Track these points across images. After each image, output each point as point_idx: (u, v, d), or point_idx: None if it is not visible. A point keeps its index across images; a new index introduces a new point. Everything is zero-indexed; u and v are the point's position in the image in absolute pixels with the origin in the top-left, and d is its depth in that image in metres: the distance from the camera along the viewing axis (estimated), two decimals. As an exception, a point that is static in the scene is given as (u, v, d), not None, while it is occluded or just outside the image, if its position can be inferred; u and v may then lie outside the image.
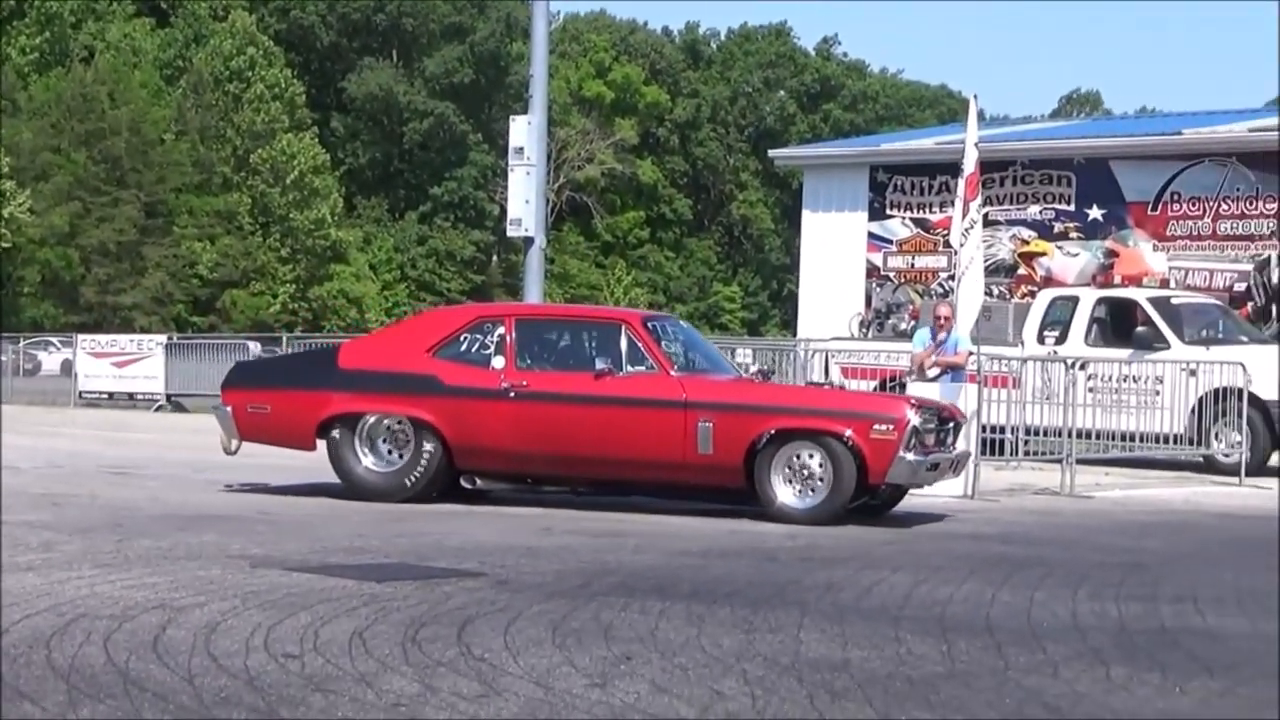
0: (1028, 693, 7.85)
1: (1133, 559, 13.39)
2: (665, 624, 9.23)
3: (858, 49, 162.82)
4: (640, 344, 15.64)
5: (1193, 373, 22.45)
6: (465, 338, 16.20)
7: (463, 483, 16.29)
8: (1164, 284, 27.97)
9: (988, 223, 29.54)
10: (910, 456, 15.00)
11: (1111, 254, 30.60)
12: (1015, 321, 25.90)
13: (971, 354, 19.48)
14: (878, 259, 33.39)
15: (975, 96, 20.83)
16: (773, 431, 15.15)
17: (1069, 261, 31.19)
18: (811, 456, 15.10)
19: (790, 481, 15.18)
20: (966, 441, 17.19)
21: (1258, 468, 22.38)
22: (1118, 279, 26.80)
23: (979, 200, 19.52)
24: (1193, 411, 22.45)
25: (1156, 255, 30.24)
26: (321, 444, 16.61)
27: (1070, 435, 20.12)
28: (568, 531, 13.94)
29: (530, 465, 16.02)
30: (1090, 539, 14.93)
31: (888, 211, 33.45)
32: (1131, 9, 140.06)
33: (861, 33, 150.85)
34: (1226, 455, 22.33)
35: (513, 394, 15.71)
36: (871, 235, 33.54)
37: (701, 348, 17.15)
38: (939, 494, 18.28)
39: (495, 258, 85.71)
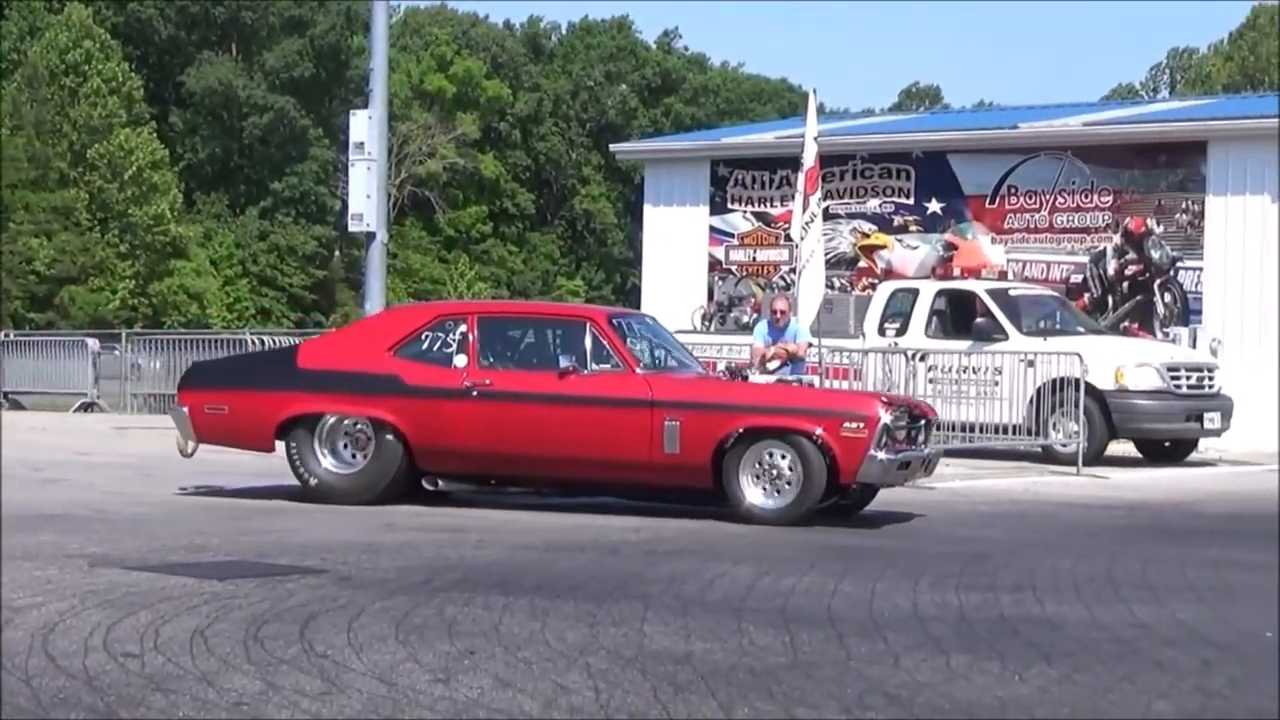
0: (869, 683, 7.90)
1: (973, 549, 13.52)
2: (509, 619, 9.22)
3: (699, 43, 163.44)
4: (605, 341, 15.30)
5: (1030, 364, 22.72)
6: (427, 336, 15.84)
7: (424, 484, 15.92)
8: (1002, 276, 28.28)
9: (828, 216, 29.76)
10: (881, 455, 14.69)
11: (950, 247, 30.91)
12: (856, 314, 26.09)
13: (812, 345, 19.60)
14: (719, 253, 33.52)
15: (814, 91, 20.99)
16: (741, 430, 14.84)
17: (909, 254, 31.47)
18: (781, 456, 14.79)
19: (759, 482, 14.86)
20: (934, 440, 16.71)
21: (1094, 457, 22.69)
22: (957, 271, 27.07)
23: (819, 194, 19.66)
24: (1031, 402, 22.73)
25: (995, 248, 30.60)
26: (281, 445, 16.19)
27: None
28: (410, 528, 13.87)
29: (494, 466, 15.71)
30: (931, 529, 15.07)
31: (729, 205, 33.56)
32: (970, 5, 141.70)
33: (702, 26, 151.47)
34: (1064, 445, 22.61)
35: (475, 393, 15.36)
36: (713, 229, 33.66)
37: (668, 345, 16.77)
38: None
39: (337, 253, 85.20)
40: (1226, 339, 27.93)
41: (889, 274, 30.68)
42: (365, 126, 31.05)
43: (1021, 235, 30.54)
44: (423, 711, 7.08)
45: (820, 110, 27.07)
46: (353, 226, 33.04)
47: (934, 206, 31.34)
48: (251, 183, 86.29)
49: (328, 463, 15.83)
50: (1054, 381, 22.49)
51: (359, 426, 15.77)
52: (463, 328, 15.69)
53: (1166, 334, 28.37)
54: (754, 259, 33.21)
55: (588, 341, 15.28)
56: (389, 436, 15.56)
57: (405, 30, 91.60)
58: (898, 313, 25.41)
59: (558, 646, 8.47)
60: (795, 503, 14.75)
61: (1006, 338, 23.84)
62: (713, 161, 34.22)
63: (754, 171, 33.36)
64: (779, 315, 20.18)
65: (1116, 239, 29.68)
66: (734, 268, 33.38)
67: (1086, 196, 30.00)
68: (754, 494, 14.85)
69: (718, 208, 33.68)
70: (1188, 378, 23.79)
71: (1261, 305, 28.40)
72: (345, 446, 15.85)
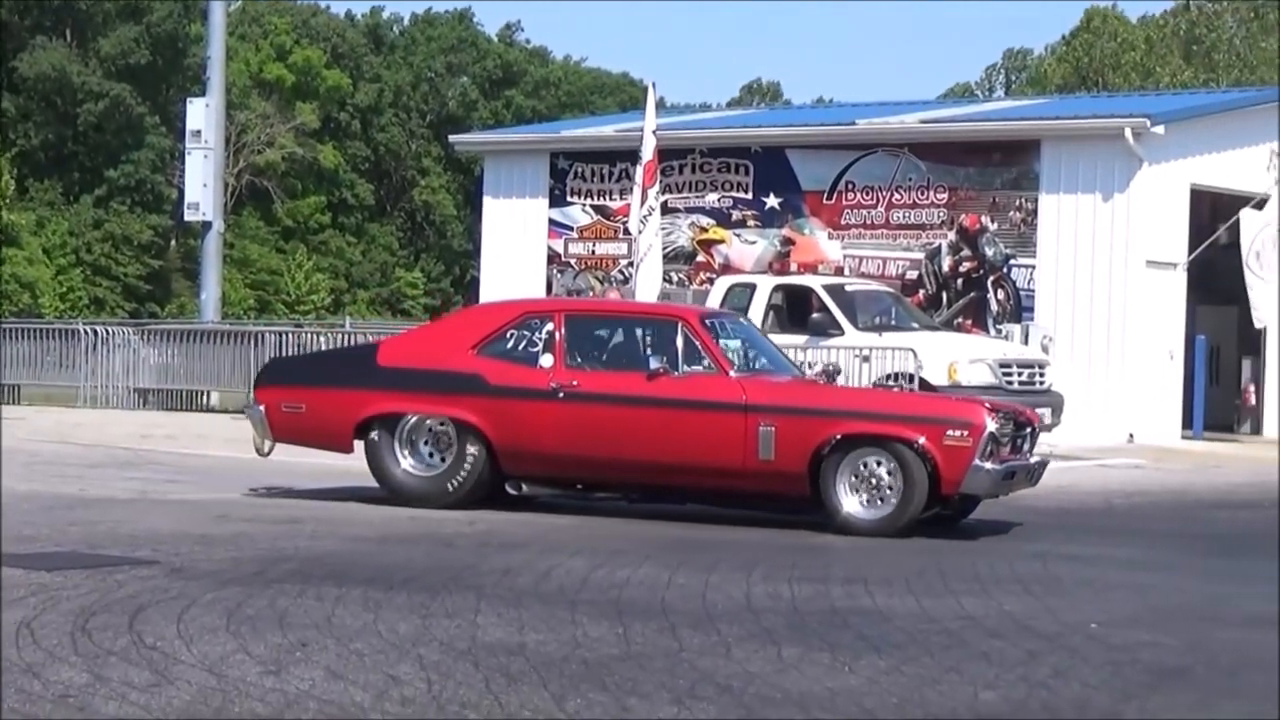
0: (701, 673, 7.96)
1: (806, 542, 13.65)
2: (341, 610, 9.19)
3: (540, 36, 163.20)
4: (697, 342, 14.70)
5: (866, 358, 22.93)
6: (512, 334, 15.28)
7: (508, 488, 15.34)
8: (839, 272, 28.47)
9: (667, 210, 29.84)
10: (987, 465, 14.02)
11: (788, 242, 31.09)
12: (694, 308, 26.15)
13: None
14: (559, 245, 33.52)
15: (653, 85, 21.08)
16: (839, 437, 14.16)
17: (747, 249, 31.61)
18: (880, 464, 14.12)
19: (858, 491, 14.18)
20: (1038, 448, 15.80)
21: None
22: (794, 266, 27.24)
23: (657, 187, 19.75)
24: (866, 397, 22.88)
25: (832, 243, 30.83)
26: (360, 446, 15.62)
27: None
28: (245, 519, 13.78)
29: (580, 470, 15.11)
30: (763, 522, 15.15)
31: (568, 198, 33.58)
32: (812, 3, 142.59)
33: (544, 19, 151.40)
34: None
35: (561, 394, 14.74)
36: (552, 222, 33.65)
37: (762, 346, 16.09)
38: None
39: (173, 242, 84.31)
40: (1057, 335, 28.31)
41: (726, 268, 30.80)
42: (202, 115, 30.77)
43: (858, 231, 30.78)
44: (253, 703, 7.04)
45: (661, 105, 27.13)
46: (189, 215, 32.75)
47: (772, 202, 31.50)
48: (86, 170, 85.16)
49: (407, 464, 15.30)
50: (889, 377, 22.69)
51: (441, 427, 15.23)
52: (549, 326, 15.09)
53: (999, 330, 28.70)
54: (593, 252, 33.24)
55: (679, 342, 14.72)
56: (471, 438, 15.02)
57: (244, 19, 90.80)
58: (735, 307, 25.43)
59: (390, 638, 8.46)
60: (895, 514, 14.05)
61: (842, 333, 24.03)
62: (552, 154, 34.22)
63: (593, 165, 33.40)
64: (615, 308, 20.24)
65: (951, 236, 29.99)
66: (572, 261, 33.38)
67: (922, 193, 30.29)
68: (851, 503, 14.17)
69: (557, 200, 33.68)
70: (1019, 374, 24.09)
71: (1092, 302, 28.82)
72: (426, 447, 15.32)
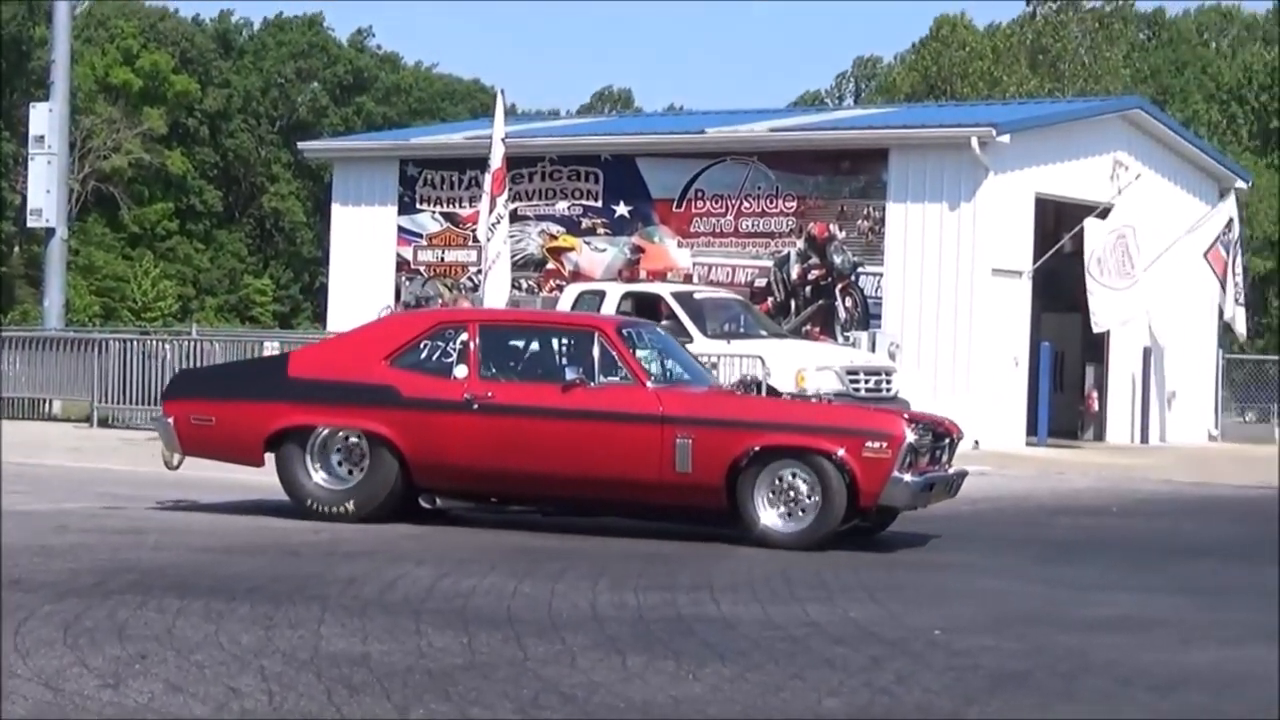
0: (545, 683, 7.95)
1: (653, 549, 13.66)
2: (182, 621, 9.09)
3: (391, 42, 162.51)
4: (614, 352, 14.39)
5: (714, 366, 22.97)
6: (426, 345, 14.98)
7: (421, 502, 14.98)
8: (687, 279, 28.56)
9: (516, 218, 29.81)
10: (905, 477, 13.79)
11: (638, 249, 31.15)
12: (543, 316, 26.12)
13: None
14: (408, 253, 33.39)
15: (502, 91, 21.04)
16: (756, 449, 13.90)
17: (596, 256, 31.64)
18: (798, 476, 13.86)
19: (775, 503, 13.93)
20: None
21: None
22: (643, 274, 27.30)
23: (505, 195, 19.71)
24: (714, 404, 22.94)
25: (681, 251, 30.91)
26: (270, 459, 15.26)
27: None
28: (84, 530, 13.60)
29: (495, 483, 14.83)
30: (614, 530, 15.15)
31: (418, 205, 33.46)
32: (663, 9, 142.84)
33: (395, 26, 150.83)
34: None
35: (476, 406, 14.41)
36: (401, 229, 33.52)
37: (680, 357, 15.82)
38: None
39: (16, 249, 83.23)
40: (905, 342, 28.55)
41: (576, 276, 30.82)
42: (46, 120, 30.37)
43: (707, 239, 30.89)
44: (89, 717, 6.95)
45: (512, 111, 27.12)
46: (32, 222, 32.29)
47: (622, 209, 31.55)
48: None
49: (319, 478, 14.91)
50: (741, 383, 22.74)
51: (353, 440, 14.88)
52: (464, 336, 14.79)
53: (847, 338, 28.92)
54: (442, 259, 33.13)
55: (595, 352, 14.41)
56: (384, 451, 14.68)
57: (90, 22, 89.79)
58: (584, 314, 25.53)
59: (231, 650, 8.38)
60: (813, 526, 13.83)
61: (691, 340, 24.07)
62: (401, 161, 34.09)
63: (443, 172, 33.30)
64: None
65: (800, 244, 30.15)
66: (422, 268, 33.26)
67: (771, 201, 30.44)
68: (769, 516, 13.92)
69: (406, 208, 33.56)
70: (866, 380, 24.27)
71: (939, 310, 29.09)
72: (339, 462, 14.94)
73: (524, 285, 30.88)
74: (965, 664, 8.87)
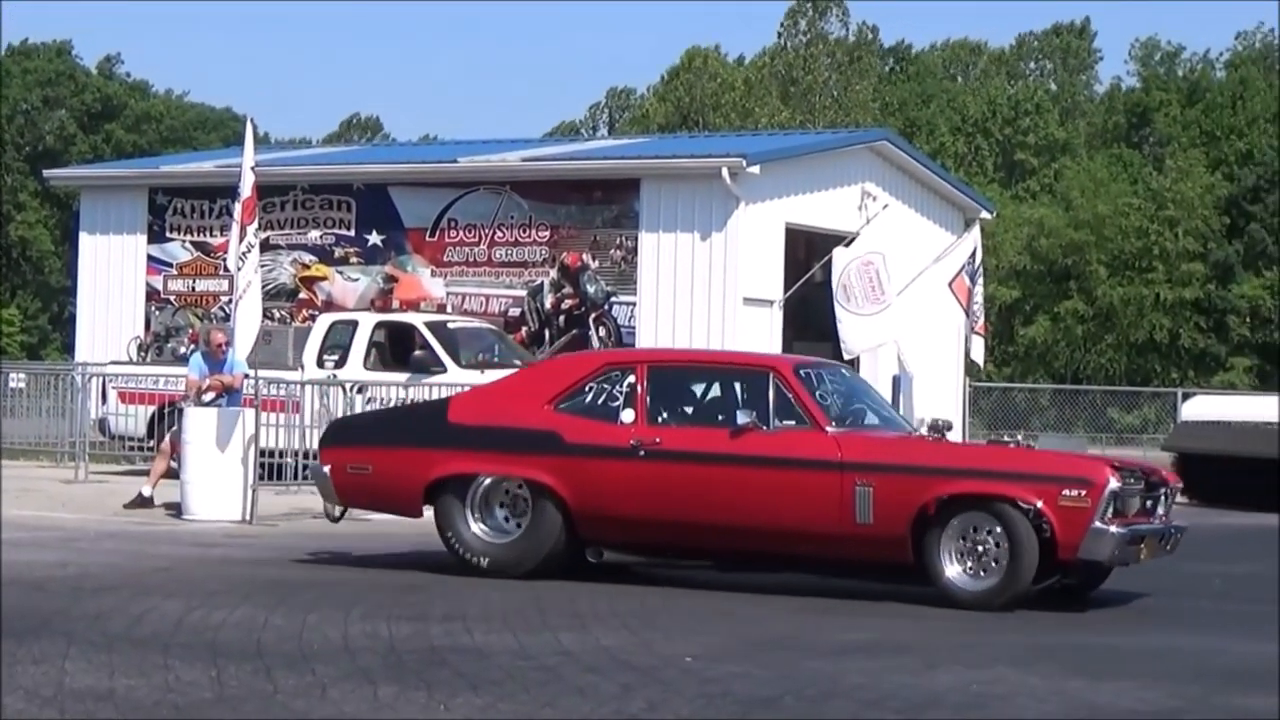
0: (294, 715, 7.90)
1: (408, 580, 13.62)
2: (-79, 660, 8.89)
3: (141, 69, 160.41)
4: (790, 394, 13.44)
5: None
6: (592, 388, 14.05)
7: (588, 556, 14.08)
8: (441, 309, 28.46)
9: (268, 247, 29.49)
10: (1110, 529, 12.68)
11: (391, 279, 30.98)
12: (295, 345, 25.92)
13: (248, 377, 19.44)
14: (158, 282, 32.91)
15: (252, 120, 20.78)
16: (942, 498, 12.90)
17: (349, 286, 31.42)
18: (985, 528, 12.86)
19: (963, 557, 12.92)
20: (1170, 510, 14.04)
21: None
22: (396, 304, 27.17)
23: (256, 224, 19.48)
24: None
25: (435, 281, 30.81)
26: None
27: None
28: None
29: (662, 535, 13.85)
30: (367, 561, 15.09)
31: (168, 234, 32.99)
32: (414, 35, 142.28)
33: (145, 53, 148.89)
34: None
35: (643, 452, 13.53)
36: (151, 258, 33.02)
37: (868, 399, 14.77)
38: (217, 519, 18.19)
39: None
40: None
41: (329, 306, 30.57)
42: None
43: (461, 268, 30.81)
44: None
45: (265, 140, 26.86)
46: None
47: (375, 239, 31.36)
48: None
49: (478, 529, 14.08)
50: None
51: (517, 490, 14.06)
52: (631, 378, 13.92)
53: (601, 367, 28.99)
54: (193, 289, 32.70)
55: (771, 394, 13.48)
56: (547, 501, 13.83)
57: None
58: (337, 344, 25.34)
59: (-28, 687, 8.21)
60: (1003, 583, 12.78)
61: (445, 370, 24.02)
62: (151, 190, 33.57)
63: (193, 200, 32.88)
64: (219, 347, 19.98)
65: (553, 273, 30.19)
66: (172, 297, 32.80)
67: (524, 231, 30.45)
68: (954, 570, 12.91)
69: (156, 236, 33.06)
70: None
71: (691, 339, 29.31)
72: (505, 516, 14.14)
73: (276, 315, 30.58)
74: (716, 691, 8.96)
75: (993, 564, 12.82)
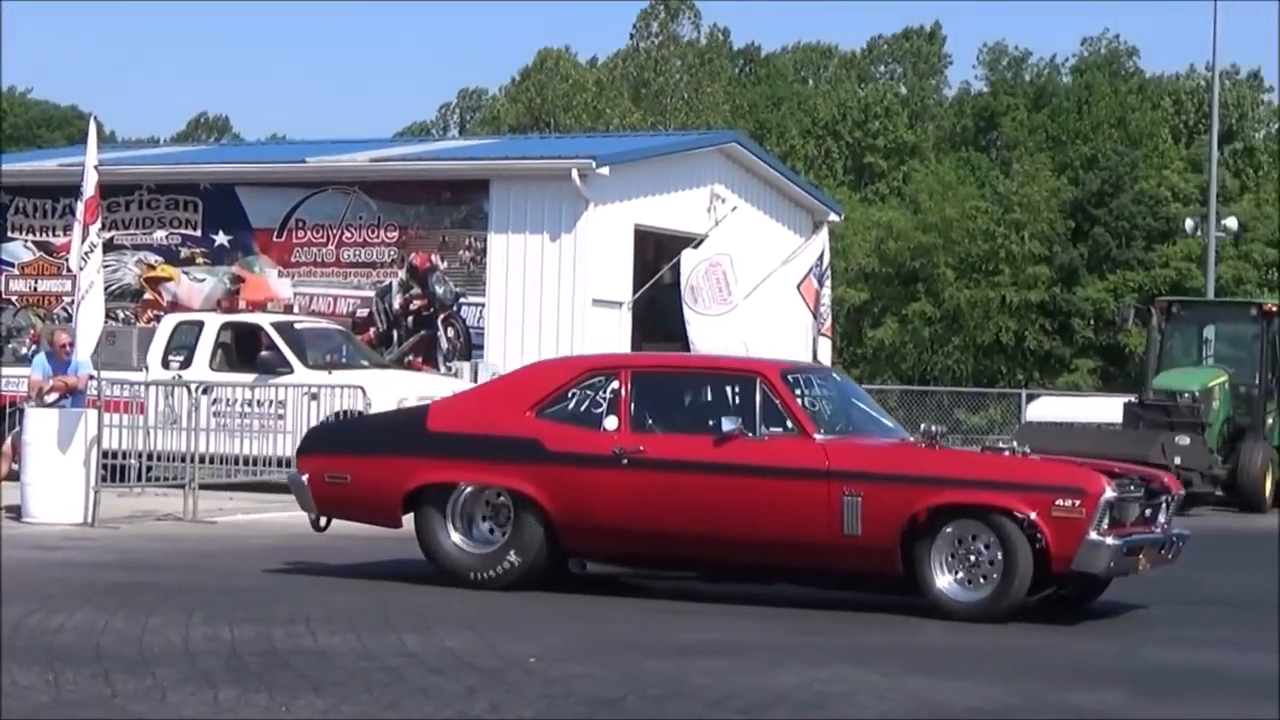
0: (133, 718, 7.82)
1: (252, 583, 13.53)
2: None
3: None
4: (778, 400, 13.08)
5: (314, 396, 22.78)
6: (575, 394, 13.63)
7: (571, 567, 13.73)
8: (288, 310, 28.28)
9: (113, 247, 29.21)
10: (1106, 540, 12.31)
11: (238, 279, 30.73)
12: (140, 346, 25.67)
13: (92, 378, 19.23)
14: (-1, 282, 32.50)
15: (94, 117, 20.60)
16: (932, 507, 12.57)
17: (195, 286, 31.13)
18: (978, 538, 12.50)
19: (954, 567, 12.57)
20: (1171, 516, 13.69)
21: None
22: (243, 304, 26.97)
23: (99, 224, 19.27)
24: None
25: (282, 281, 30.59)
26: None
27: (194, 460, 20.13)
28: None
29: (647, 546, 13.44)
30: (211, 564, 14.99)
31: (10, 234, 32.55)
32: (265, 34, 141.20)
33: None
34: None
35: (626, 460, 13.16)
36: (-8, 258, 32.61)
37: (859, 406, 14.33)
38: (57, 522, 17.96)
39: None
40: (505, 372, 28.61)
41: (175, 306, 30.28)
42: None
43: (309, 269, 30.61)
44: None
45: (111, 138, 26.57)
46: None
47: (221, 239, 31.09)
48: None
49: (459, 540, 13.66)
50: (338, 414, 22.56)
51: (499, 499, 13.67)
52: (615, 384, 13.52)
53: (449, 368, 28.90)
54: (35, 289, 32.28)
55: (758, 400, 13.12)
56: (529, 510, 13.46)
57: None
58: (182, 345, 25.13)
59: None
60: (995, 595, 12.42)
61: (291, 371, 23.87)
62: (-8, 188, 33.15)
63: (36, 199, 32.44)
64: (64, 348, 19.74)
65: (402, 274, 30.06)
66: (14, 298, 32.37)
67: (373, 232, 30.30)
68: (945, 581, 12.56)
69: (-2, 236, 32.64)
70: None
71: (540, 340, 29.30)
72: (488, 525, 13.74)
73: (121, 316, 30.27)
74: (559, 692, 8.98)
75: (985, 575, 12.51)
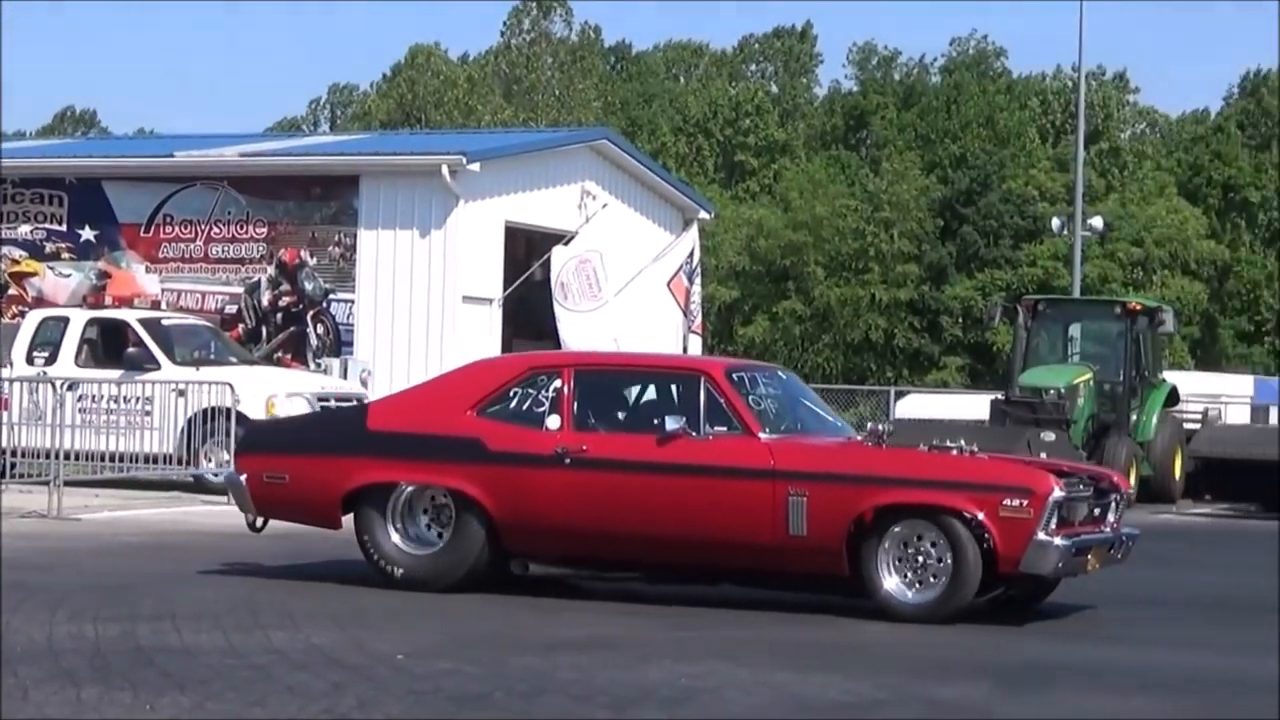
0: (-6, 718, 7.74)
1: (117, 581, 13.40)
2: None
3: None
4: (722, 399, 12.85)
5: (182, 393, 22.63)
6: (517, 392, 13.39)
7: (513, 568, 13.52)
8: (156, 305, 28.05)
9: (-24, 241, 28.88)
10: (1055, 540, 12.13)
11: (104, 275, 30.45)
12: (4, 342, 25.36)
13: (-45, 375, 18.99)
14: None
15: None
16: (878, 507, 12.36)
17: (61, 282, 30.82)
18: (925, 539, 12.32)
19: (901, 569, 12.38)
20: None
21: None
22: (109, 300, 26.74)
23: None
24: (183, 431, 22.62)
25: (149, 277, 30.32)
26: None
27: (58, 457, 19.93)
28: None
29: (590, 547, 13.25)
30: (76, 562, 14.82)
31: None
32: (135, 28, 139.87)
33: None
34: (216, 475, 22.61)
35: (568, 460, 12.92)
36: None
37: (805, 404, 14.10)
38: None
39: None
40: (377, 369, 28.57)
41: (40, 302, 29.95)
42: None
43: (177, 265, 30.36)
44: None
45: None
46: None
47: (88, 234, 30.77)
48: None
49: (398, 541, 13.35)
50: (206, 411, 22.46)
51: (441, 499, 13.39)
52: (557, 382, 13.26)
53: (319, 364, 28.77)
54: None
55: (702, 399, 12.89)
56: (470, 511, 13.21)
57: None
58: (47, 341, 24.84)
59: None
60: (944, 596, 12.27)
61: (159, 367, 23.67)
62: None
63: (-103, 193, 32.06)
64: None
65: (271, 270, 29.89)
66: (-124, 293, 31.95)
67: (242, 227, 30.10)
68: (893, 583, 12.37)
69: None
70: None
71: (410, 337, 29.23)
72: (427, 524, 13.46)
73: (-16, 311, 29.95)
74: (426, 688, 8.97)
75: (935, 576, 12.32)
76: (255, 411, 22.98)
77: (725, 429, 12.85)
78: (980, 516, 12.12)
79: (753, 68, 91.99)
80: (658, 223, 34.56)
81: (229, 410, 22.07)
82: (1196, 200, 69.76)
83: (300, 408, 23.49)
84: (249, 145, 33.39)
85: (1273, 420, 32.63)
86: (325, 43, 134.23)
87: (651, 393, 13.82)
